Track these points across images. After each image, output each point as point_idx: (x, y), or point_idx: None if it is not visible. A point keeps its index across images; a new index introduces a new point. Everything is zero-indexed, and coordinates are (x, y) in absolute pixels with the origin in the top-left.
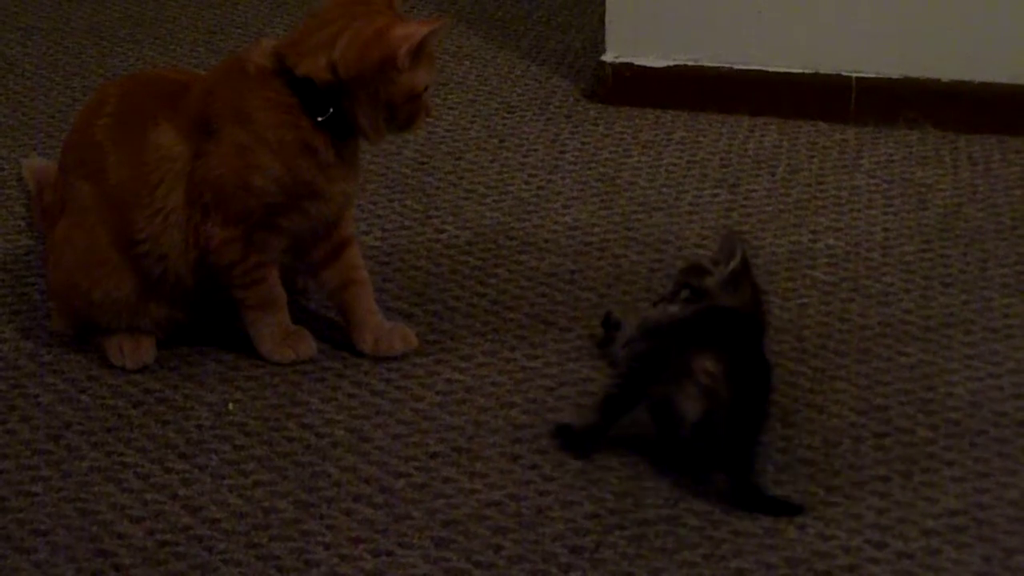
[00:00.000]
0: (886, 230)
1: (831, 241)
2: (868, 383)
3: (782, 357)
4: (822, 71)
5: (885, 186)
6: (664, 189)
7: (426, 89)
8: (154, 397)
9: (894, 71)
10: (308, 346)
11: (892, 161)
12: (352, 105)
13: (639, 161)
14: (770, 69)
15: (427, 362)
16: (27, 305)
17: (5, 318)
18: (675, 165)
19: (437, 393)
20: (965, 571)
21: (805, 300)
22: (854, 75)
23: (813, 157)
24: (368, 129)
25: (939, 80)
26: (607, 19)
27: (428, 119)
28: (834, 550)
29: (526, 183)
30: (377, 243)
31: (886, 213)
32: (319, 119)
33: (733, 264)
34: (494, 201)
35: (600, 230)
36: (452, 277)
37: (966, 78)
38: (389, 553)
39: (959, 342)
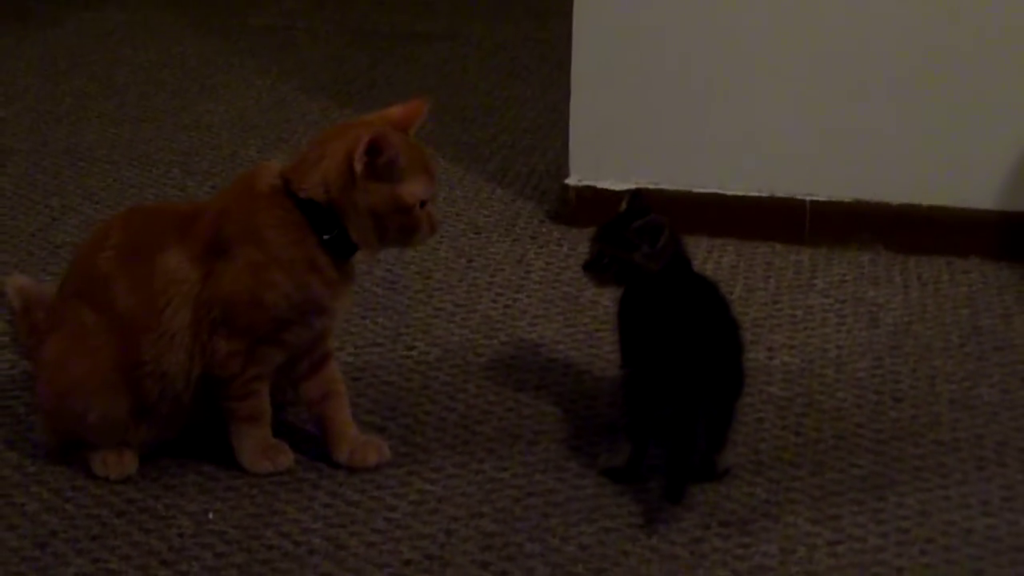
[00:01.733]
0: (839, 347)
1: (786, 358)
2: (822, 493)
3: (740, 469)
4: (777, 194)
5: (838, 305)
6: None
7: (422, 204)
8: (136, 507)
9: (846, 195)
10: (287, 458)
11: (845, 281)
12: (346, 220)
13: None
14: (727, 193)
15: (399, 473)
16: (10, 417)
17: None
18: None
19: (409, 503)
20: None
21: (761, 415)
22: (808, 198)
23: (769, 277)
24: (361, 243)
25: (889, 204)
26: (571, 144)
27: (431, 234)
28: None
29: (493, 301)
30: (350, 359)
31: (839, 331)
32: (325, 237)
33: (662, 240)
34: (462, 319)
35: (564, 347)
36: (423, 392)
37: (915, 202)
38: None
39: (909, 455)
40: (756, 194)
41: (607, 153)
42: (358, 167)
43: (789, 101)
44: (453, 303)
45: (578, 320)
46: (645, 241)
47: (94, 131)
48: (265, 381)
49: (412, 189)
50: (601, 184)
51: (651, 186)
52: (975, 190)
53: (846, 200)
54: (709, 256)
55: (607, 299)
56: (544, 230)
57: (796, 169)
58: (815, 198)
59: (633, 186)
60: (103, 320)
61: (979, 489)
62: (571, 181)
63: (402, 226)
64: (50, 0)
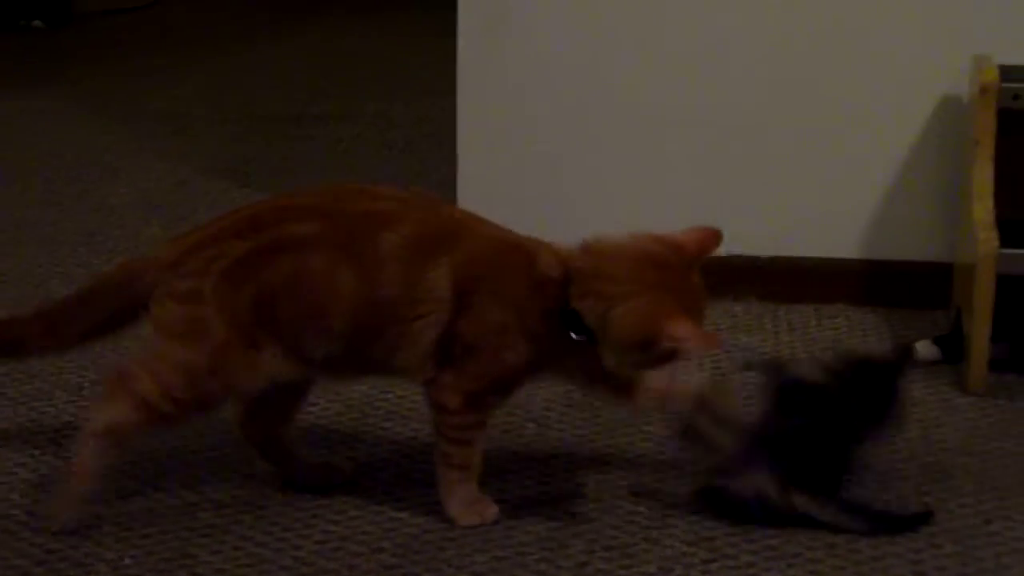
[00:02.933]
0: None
1: None
2: (698, 518)
3: (621, 499)
4: None
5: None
6: None
7: None
8: (56, 556)
9: (720, 250)
10: (493, 511)
11: (720, 329)
12: (602, 347)
13: None
14: None
15: (305, 516)
16: None
17: None
18: None
19: (315, 543)
20: None
21: (640, 452)
22: None
23: None
24: (611, 367)
25: (759, 257)
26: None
27: None
28: None
29: None
30: None
31: (714, 374)
32: (571, 335)
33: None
34: None
35: None
36: (324, 443)
37: (784, 254)
38: None
39: None
40: None
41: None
42: (664, 349)
43: (664, 170)
44: None
45: None
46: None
47: (2, 214)
48: (482, 431)
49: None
50: None
51: None
52: (838, 241)
53: (721, 255)
54: None
55: None
56: None
57: (673, 230)
58: None
59: None
60: (357, 282)
61: None
62: None
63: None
64: None
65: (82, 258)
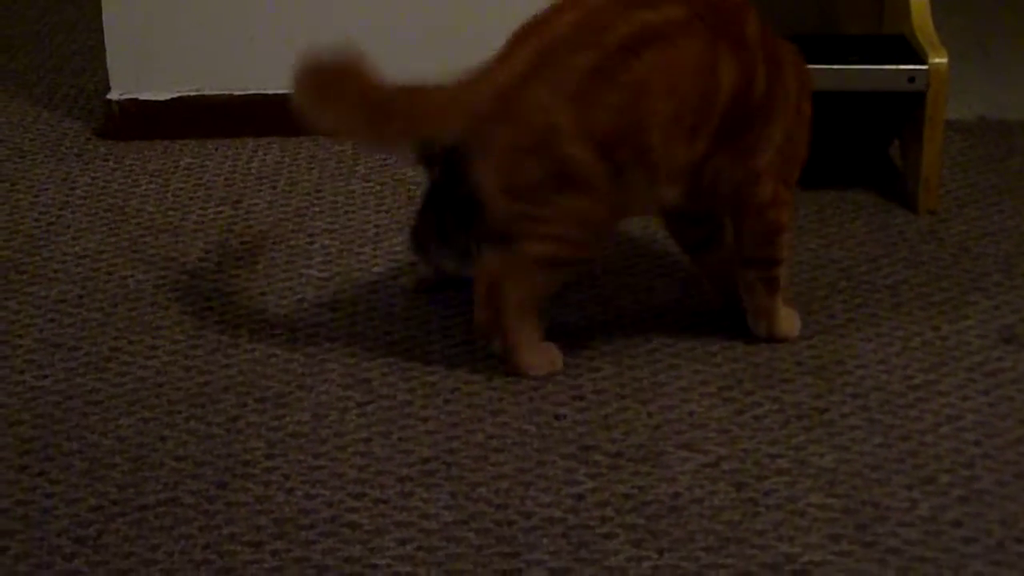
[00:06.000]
0: (377, 226)
1: (326, 241)
2: (356, 360)
3: (276, 347)
4: None
5: (379, 188)
6: (170, 212)
7: None
8: None
9: None
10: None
11: (385, 165)
12: None
13: (147, 189)
14: (268, 92)
15: None
16: None
17: None
18: (181, 190)
19: None
20: (434, 506)
21: (300, 295)
22: None
23: (312, 169)
24: None
25: None
26: (108, 59)
27: None
28: (319, 506)
29: (36, 220)
30: None
31: (378, 212)
32: None
33: None
34: (4, 240)
35: (108, 255)
36: None
37: None
38: None
39: (439, 316)
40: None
41: (146, 65)
42: None
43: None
44: None
45: (122, 229)
46: None
47: None
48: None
49: None
50: (143, 96)
51: (193, 93)
52: None
53: None
54: (255, 155)
55: (151, 206)
56: (90, 148)
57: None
58: None
59: (176, 95)
60: (732, 74)
61: None
62: (112, 96)
63: None
64: None
65: None
